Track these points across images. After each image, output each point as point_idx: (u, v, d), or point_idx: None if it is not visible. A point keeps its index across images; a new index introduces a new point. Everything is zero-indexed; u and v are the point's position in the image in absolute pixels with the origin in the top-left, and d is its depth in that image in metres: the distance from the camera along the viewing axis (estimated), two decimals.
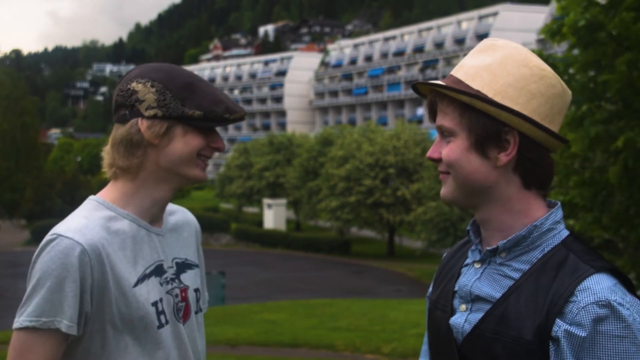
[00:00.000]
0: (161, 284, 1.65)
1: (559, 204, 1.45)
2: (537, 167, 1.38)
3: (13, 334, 1.54)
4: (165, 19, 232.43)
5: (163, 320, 1.63)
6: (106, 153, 1.65)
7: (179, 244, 1.76)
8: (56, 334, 1.50)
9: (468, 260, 1.52)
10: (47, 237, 1.54)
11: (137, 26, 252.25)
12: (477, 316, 1.40)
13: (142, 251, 1.62)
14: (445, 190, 1.45)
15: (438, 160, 1.43)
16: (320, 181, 41.45)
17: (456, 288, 1.49)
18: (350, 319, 14.10)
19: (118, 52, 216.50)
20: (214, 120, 1.62)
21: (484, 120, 1.35)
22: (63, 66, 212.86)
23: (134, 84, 1.59)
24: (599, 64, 8.07)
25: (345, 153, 38.76)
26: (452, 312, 1.47)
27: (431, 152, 1.44)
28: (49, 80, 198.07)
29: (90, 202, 1.64)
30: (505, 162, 1.36)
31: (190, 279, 1.76)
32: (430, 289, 1.65)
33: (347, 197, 37.82)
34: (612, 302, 1.26)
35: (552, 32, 8.30)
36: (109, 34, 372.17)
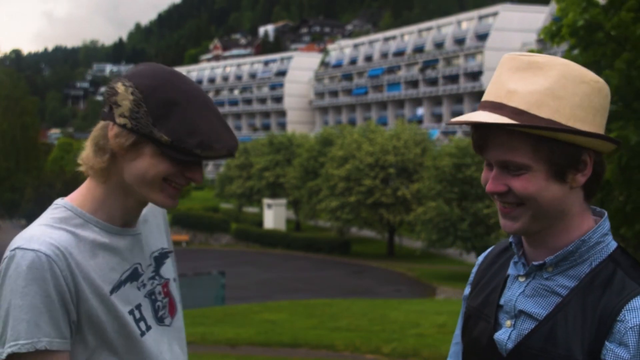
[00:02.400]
0: (138, 288, 1.54)
1: (606, 214, 1.40)
2: (600, 179, 1.37)
3: None
4: (165, 19, 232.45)
5: (144, 327, 1.52)
6: (86, 146, 1.52)
7: (152, 235, 1.65)
8: (45, 354, 1.36)
9: (511, 271, 1.47)
10: (8, 252, 1.39)
11: (137, 26, 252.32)
12: (521, 332, 1.38)
13: (115, 257, 1.50)
14: (518, 224, 1.37)
15: (503, 194, 1.36)
16: (320, 181, 41.46)
17: (502, 302, 1.46)
18: (350, 319, 14.10)
19: (118, 52, 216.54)
20: (181, 151, 1.42)
21: (562, 148, 1.31)
22: (63, 66, 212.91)
23: (119, 84, 1.45)
24: (599, 64, 8.08)
25: (345, 153, 38.76)
26: (497, 325, 1.44)
27: (495, 187, 1.35)
28: (49, 80, 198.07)
29: (57, 208, 1.50)
30: (582, 183, 1.34)
31: (169, 269, 1.67)
32: (467, 291, 1.61)
33: (347, 197, 37.82)
34: None
35: (551, 33, 8.31)
36: (103, 34, 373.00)
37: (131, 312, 1.50)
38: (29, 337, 1.34)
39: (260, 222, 49.35)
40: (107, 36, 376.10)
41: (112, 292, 1.47)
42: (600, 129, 1.32)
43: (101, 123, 1.47)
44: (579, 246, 1.36)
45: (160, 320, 1.58)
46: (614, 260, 1.35)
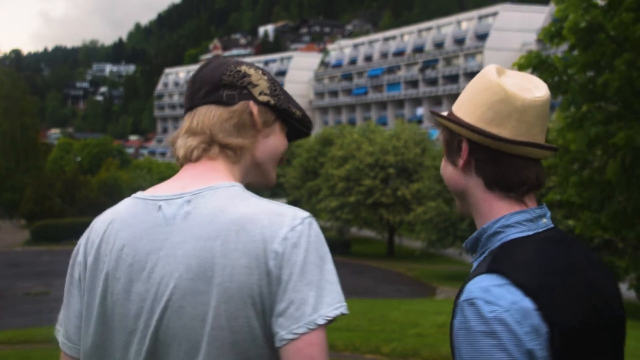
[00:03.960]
0: None
1: (535, 210, 1.44)
2: (493, 169, 1.42)
3: None
4: (165, 19, 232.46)
5: None
6: (196, 132, 1.45)
7: None
8: None
9: None
10: (304, 216, 1.34)
11: (137, 26, 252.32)
12: None
13: None
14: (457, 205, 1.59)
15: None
16: (320, 181, 41.47)
17: None
18: (350, 319, 14.11)
19: (118, 52, 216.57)
20: (306, 126, 1.55)
21: (445, 133, 1.51)
22: (63, 66, 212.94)
23: (244, 67, 1.48)
24: (599, 64, 8.08)
25: (345, 153, 38.77)
26: None
27: None
28: (49, 80, 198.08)
29: (237, 187, 1.40)
30: (461, 165, 1.46)
31: None
32: None
33: (347, 197, 37.83)
34: (475, 300, 1.27)
35: (550, 34, 8.31)
36: (100, 34, 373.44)
37: None
38: None
39: None
40: (104, 36, 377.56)
41: None
42: (480, 122, 1.42)
43: (233, 106, 1.46)
44: (481, 234, 1.44)
45: None
46: (496, 250, 1.38)
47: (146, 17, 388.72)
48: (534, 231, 1.40)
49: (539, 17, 64.99)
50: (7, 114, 53.08)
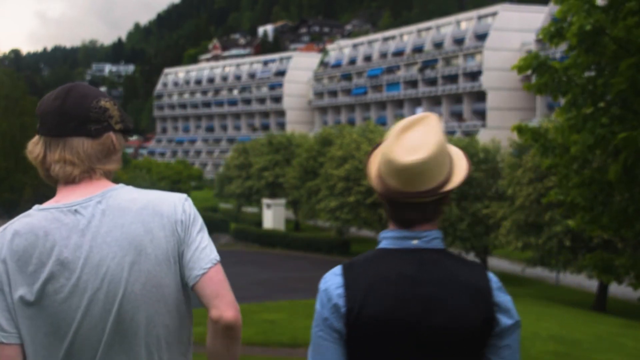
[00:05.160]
0: None
1: (403, 232, 1.86)
2: (384, 204, 1.90)
3: None
4: (165, 19, 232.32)
5: None
6: (75, 163, 1.79)
7: None
8: None
9: None
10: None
11: (136, 26, 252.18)
12: None
13: None
14: None
15: None
16: (319, 181, 41.45)
17: None
18: None
19: (117, 52, 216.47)
20: (132, 130, 1.93)
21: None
22: (62, 66, 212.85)
23: (103, 102, 1.82)
24: (599, 65, 8.06)
25: (344, 153, 38.75)
26: None
27: None
28: (48, 80, 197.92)
29: (129, 186, 1.88)
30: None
31: None
32: None
33: (346, 197, 37.82)
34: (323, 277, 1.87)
35: (550, 34, 8.29)
36: (97, 34, 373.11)
37: None
38: None
39: (259, 222, 49.35)
40: (101, 36, 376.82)
41: None
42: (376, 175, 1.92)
43: (101, 138, 1.81)
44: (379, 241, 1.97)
45: None
46: (368, 252, 1.93)
47: (144, 17, 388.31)
48: (399, 247, 1.85)
49: (538, 17, 64.96)
50: (6, 114, 53.05)
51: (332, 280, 1.83)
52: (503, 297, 1.84)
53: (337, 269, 1.86)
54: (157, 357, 1.76)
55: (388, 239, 1.86)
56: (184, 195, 1.84)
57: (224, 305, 1.74)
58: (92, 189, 1.79)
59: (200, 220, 1.84)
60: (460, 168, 1.88)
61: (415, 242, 1.83)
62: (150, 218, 1.75)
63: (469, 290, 1.79)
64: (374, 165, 1.91)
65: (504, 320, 1.80)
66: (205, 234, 1.83)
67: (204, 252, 1.78)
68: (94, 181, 1.81)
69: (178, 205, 1.81)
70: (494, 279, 1.87)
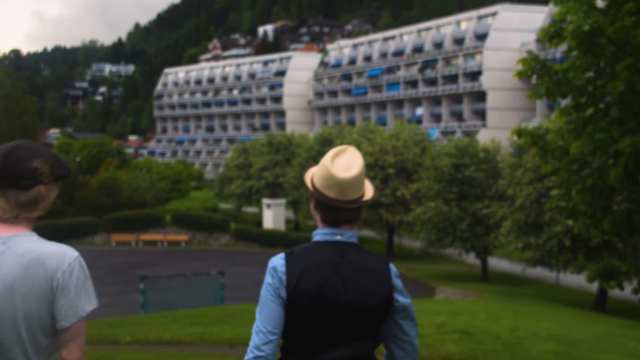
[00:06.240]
0: None
1: (332, 229, 2.56)
2: (319, 209, 2.60)
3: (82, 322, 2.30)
4: (165, 19, 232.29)
5: None
6: (6, 209, 2.31)
7: None
8: None
9: None
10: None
11: (136, 26, 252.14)
12: None
13: None
14: None
15: None
16: None
17: None
18: None
19: (117, 52, 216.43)
20: (68, 173, 2.46)
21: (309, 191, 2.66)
22: (62, 66, 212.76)
23: (35, 164, 2.30)
24: (598, 66, 8.07)
25: None
26: None
27: None
28: (48, 80, 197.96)
29: (34, 236, 2.36)
30: (313, 205, 2.62)
31: None
32: None
33: None
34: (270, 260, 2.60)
35: (550, 35, 8.29)
36: (95, 34, 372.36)
37: None
38: None
39: (259, 222, 49.35)
40: (99, 36, 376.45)
41: None
42: (316, 185, 2.58)
43: (32, 190, 2.32)
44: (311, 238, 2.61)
45: None
46: (306, 243, 2.60)
47: (141, 17, 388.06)
48: (327, 240, 2.53)
49: (538, 17, 64.97)
50: (6, 114, 53.08)
51: (278, 262, 2.51)
52: (398, 282, 2.55)
53: (282, 255, 2.54)
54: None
55: (319, 234, 2.56)
56: (74, 254, 2.30)
57: (74, 351, 2.30)
58: (6, 231, 2.31)
59: (82, 279, 2.30)
60: (369, 187, 2.60)
61: (338, 237, 2.53)
62: (34, 269, 2.25)
63: (375, 274, 2.50)
64: (309, 180, 2.61)
65: (400, 299, 2.52)
66: (82, 291, 2.29)
67: (74, 309, 2.28)
68: (13, 225, 2.33)
69: (64, 262, 2.28)
70: (393, 268, 2.56)
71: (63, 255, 2.27)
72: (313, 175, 2.61)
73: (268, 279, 2.50)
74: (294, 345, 2.49)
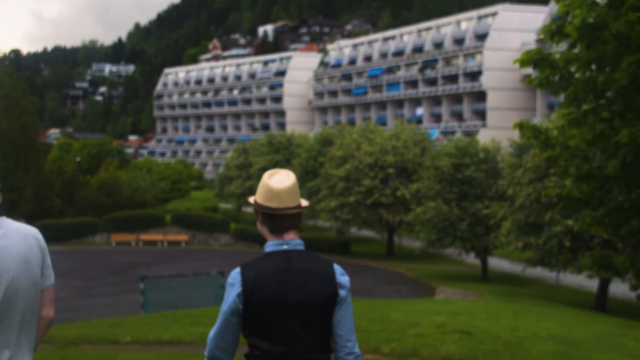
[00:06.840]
0: None
1: (279, 241, 2.98)
2: (266, 222, 3.00)
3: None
4: (165, 19, 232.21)
5: None
6: None
7: None
8: None
9: None
10: None
11: (137, 26, 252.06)
12: None
13: None
14: None
15: None
16: (319, 181, 41.47)
17: None
18: None
19: (117, 52, 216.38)
20: None
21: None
22: (62, 66, 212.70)
23: None
24: (601, 61, 8.07)
25: (344, 153, 38.75)
26: None
27: None
28: (48, 80, 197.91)
29: (9, 219, 2.91)
30: (260, 221, 3.04)
31: None
32: None
33: (347, 197, 37.81)
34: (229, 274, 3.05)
35: (551, 32, 8.29)
36: (94, 34, 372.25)
37: None
38: None
39: None
40: (99, 36, 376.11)
41: None
42: (258, 200, 3.02)
43: None
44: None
45: None
46: (258, 256, 3.02)
47: (140, 17, 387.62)
48: (275, 250, 2.95)
49: (538, 17, 64.98)
50: (6, 114, 53.02)
51: (235, 276, 2.90)
52: (343, 278, 2.94)
53: (238, 268, 2.93)
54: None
55: (270, 246, 2.97)
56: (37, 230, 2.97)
57: (52, 308, 2.99)
58: None
59: (48, 251, 3.00)
60: (304, 201, 3.04)
61: (285, 246, 2.95)
62: (32, 241, 2.89)
63: (320, 275, 2.90)
64: (253, 201, 3.03)
65: (341, 292, 2.91)
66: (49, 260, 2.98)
67: (50, 276, 2.97)
68: None
69: (38, 234, 2.94)
70: (338, 268, 2.96)
71: (34, 228, 2.94)
72: (255, 197, 3.03)
73: (229, 291, 2.89)
74: (257, 342, 2.90)
